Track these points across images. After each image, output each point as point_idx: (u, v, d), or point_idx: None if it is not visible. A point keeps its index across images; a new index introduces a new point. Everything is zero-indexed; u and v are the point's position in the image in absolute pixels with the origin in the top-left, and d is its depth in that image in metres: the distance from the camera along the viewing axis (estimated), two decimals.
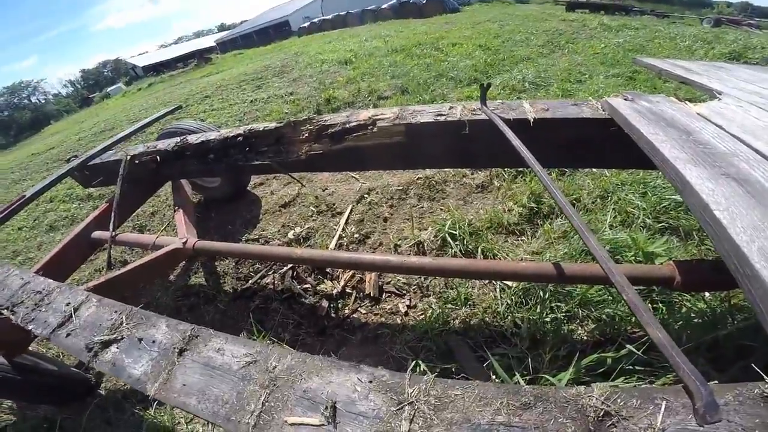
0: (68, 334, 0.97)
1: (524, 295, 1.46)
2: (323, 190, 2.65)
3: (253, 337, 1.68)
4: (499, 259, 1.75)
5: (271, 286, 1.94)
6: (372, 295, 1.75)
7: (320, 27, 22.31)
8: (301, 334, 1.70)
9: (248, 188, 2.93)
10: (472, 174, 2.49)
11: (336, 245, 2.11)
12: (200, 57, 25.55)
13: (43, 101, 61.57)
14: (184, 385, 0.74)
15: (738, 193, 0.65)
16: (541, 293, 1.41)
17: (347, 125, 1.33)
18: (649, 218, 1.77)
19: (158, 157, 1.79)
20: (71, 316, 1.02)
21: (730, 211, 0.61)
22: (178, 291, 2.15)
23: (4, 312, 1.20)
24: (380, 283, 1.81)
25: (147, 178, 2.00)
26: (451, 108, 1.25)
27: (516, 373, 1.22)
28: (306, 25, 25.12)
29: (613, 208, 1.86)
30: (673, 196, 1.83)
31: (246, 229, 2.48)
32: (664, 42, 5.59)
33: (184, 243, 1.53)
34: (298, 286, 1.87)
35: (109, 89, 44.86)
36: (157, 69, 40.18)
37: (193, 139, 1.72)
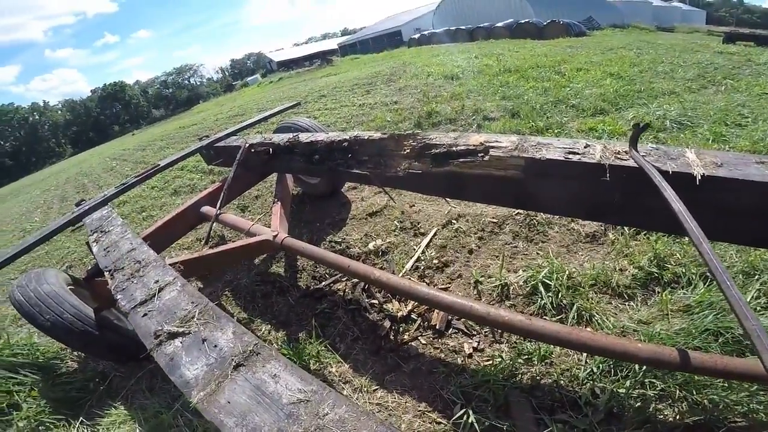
0: (145, 314, 1.00)
1: (615, 365, 1.28)
2: (410, 206, 2.58)
3: (311, 340, 1.69)
4: (597, 321, 1.51)
5: (341, 293, 1.93)
6: (437, 327, 1.63)
7: (429, 40, 22.60)
8: (356, 349, 1.66)
9: (342, 190, 3.02)
10: (583, 220, 2.16)
11: (412, 267, 2.01)
12: (323, 58, 28.18)
13: (199, 83, 74.48)
14: (228, 402, 0.70)
15: None
16: (636, 366, 1.23)
17: (454, 148, 1.20)
18: None
19: (271, 150, 1.92)
20: (154, 296, 1.05)
21: None
22: (258, 276, 2.29)
23: (107, 274, 1.29)
24: (449, 317, 1.67)
25: (258, 166, 2.17)
26: (587, 146, 1.03)
27: None
28: (416, 36, 25.70)
29: (758, 289, 1.49)
30: None
31: (332, 231, 2.54)
32: None
33: (275, 236, 1.60)
34: (366, 300, 1.83)
35: (248, 79, 52.41)
36: (288, 65, 45.75)
37: (303, 137, 1.79)
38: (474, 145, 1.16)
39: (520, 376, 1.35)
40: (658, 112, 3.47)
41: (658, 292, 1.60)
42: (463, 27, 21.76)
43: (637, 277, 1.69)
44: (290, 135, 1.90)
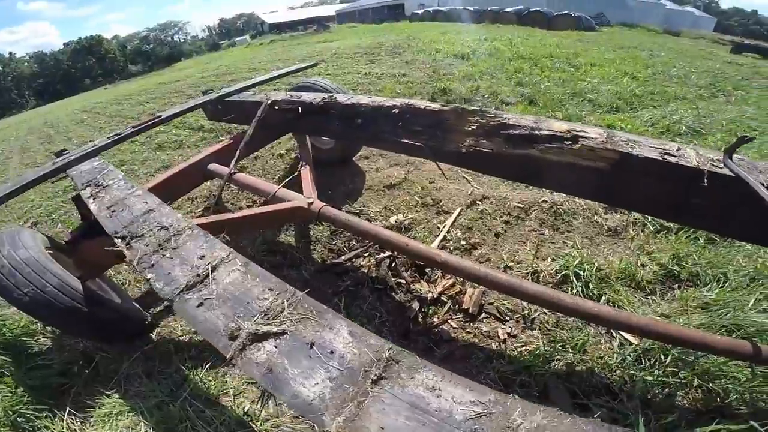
0: (200, 303, 0.75)
1: (644, 354, 1.35)
2: (429, 182, 2.47)
3: None
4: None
5: (365, 270, 1.82)
6: (470, 311, 1.58)
7: (433, 16, 21.95)
8: (383, 331, 1.57)
9: (354, 160, 2.86)
10: (605, 213, 2.16)
11: (438, 246, 1.92)
12: (320, 24, 26.84)
13: (183, 41, 69.64)
14: (382, 429, 0.54)
15: None
16: (662, 356, 1.31)
17: (536, 132, 1.14)
18: None
19: (300, 109, 1.73)
20: (207, 277, 0.81)
21: None
22: (264, 245, 2.12)
23: (118, 241, 1.02)
24: (482, 301, 1.63)
25: (278, 125, 1.98)
26: (679, 149, 1.04)
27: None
28: (420, 11, 24.97)
29: (761, 291, 1.60)
30: None
31: (347, 200, 2.41)
32: None
33: (310, 204, 1.44)
34: (393, 279, 1.73)
35: (236, 39, 49.58)
36: (281, 28, 43.64)
37: (341, 98, 1.63)
38: (560, 131, 1.11)
39: (554, 362, 1.36)
40: (674, 116, 3.48)
41: (675, 289, 1.69)
42: (471, 8, 21.16)
43: (658, 274, 1.75)
44: (324, 95, 1.73)
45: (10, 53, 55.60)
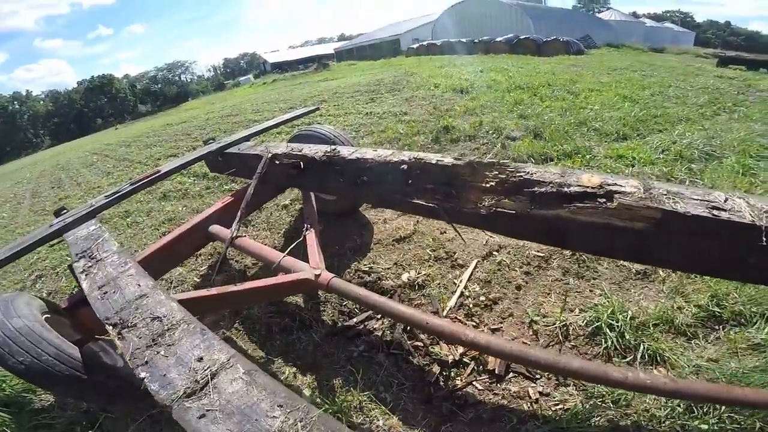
0: (203, 415, 0.68)
1: (696, 402, 1.25)
2: (441, 233, 2.35)
3: (347, 388, 1.48)
4: (670, 362, 1.45)
5: (378, 333, 1.69)
6: (496, 371, 1.46)
7: (428, 50, 22.65)
8: (403, 399, 1.46)
9: (360, 209, 2.76)
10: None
11: (456, 304, 1.79)
12: (319, 62, 27.74)
13: (190, 81, 72.56)
14: None
15: None
16: (717, 404, 1.21)
17: (565, 188, 0.99)
18: None
19: (302, 164, 1.66)
20: (207, 385, 0.74)
21: None
22: (272, 306, 2.01)
23: (110, 329, 0.97)
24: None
25: (279, 180, 1.91)
26: (727, 200, 0.90)
27: None
28: (414, 46, 25.85)
29: None
30: None
31: (355, 257, 2.29)
32: None
33: (317, 276, 1.32)
34: (409, 343, 1.59)
35: (240, 79, 51.78)
36: (282, 67, 45.54)
37: (345, 152, 1.53)
38: (591, 187, 0.97)
39: (596, 419, 1.27)
40: (683, 140, 3.39)
41: (719, 330, 1.58)
42: (463, 39, 21.94)
43: (698, 316, 1.63)
44: (327, 148, 1.65)
45: (27, 91, 57.02)
